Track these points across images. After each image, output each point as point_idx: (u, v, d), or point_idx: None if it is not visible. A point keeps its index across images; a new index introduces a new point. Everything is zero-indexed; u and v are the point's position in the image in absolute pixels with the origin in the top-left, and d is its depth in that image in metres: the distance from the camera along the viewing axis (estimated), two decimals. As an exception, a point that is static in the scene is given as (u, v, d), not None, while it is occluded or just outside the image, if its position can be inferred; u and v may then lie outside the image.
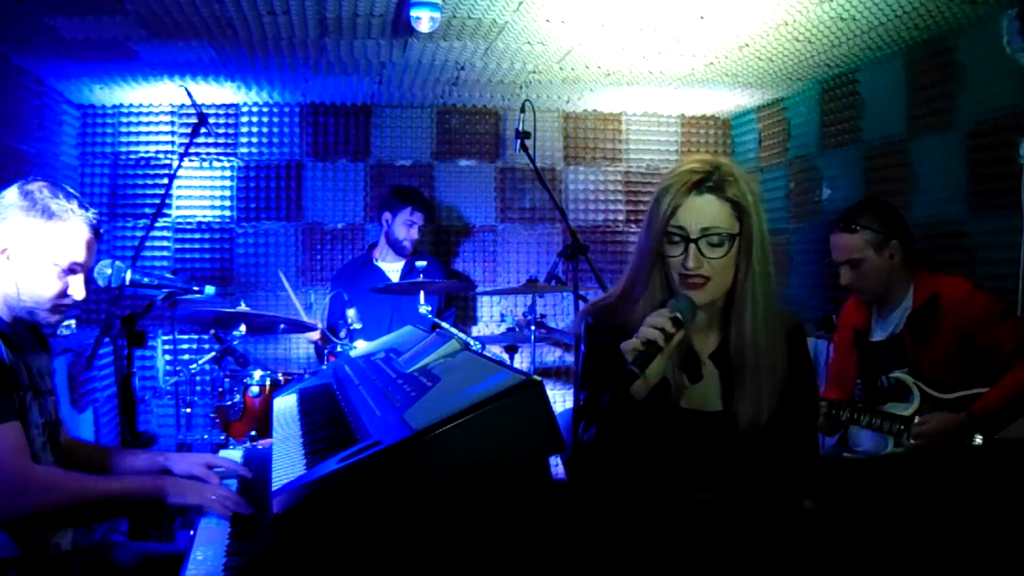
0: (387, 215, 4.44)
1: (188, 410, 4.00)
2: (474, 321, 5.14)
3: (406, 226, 4.38)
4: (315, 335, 4.21)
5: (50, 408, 2.01)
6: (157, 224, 4.52)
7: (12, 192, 1.92)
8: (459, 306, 4.99)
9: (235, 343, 3.76)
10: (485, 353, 2.77)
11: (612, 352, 1.76)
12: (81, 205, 1.96)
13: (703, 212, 1.71)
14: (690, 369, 1.81)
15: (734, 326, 1.78)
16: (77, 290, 1.97)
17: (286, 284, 4.30)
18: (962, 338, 2.74)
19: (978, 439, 2.67)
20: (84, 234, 1.95)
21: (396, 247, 4.43)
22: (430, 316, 3.82)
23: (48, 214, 1.90)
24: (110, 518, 2.10)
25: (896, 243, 2.83)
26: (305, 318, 4.17)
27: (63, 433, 2.08)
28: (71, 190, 1.99)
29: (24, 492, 1.75)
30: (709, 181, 1.72)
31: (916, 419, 2.74)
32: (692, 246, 1.71)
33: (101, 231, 2.02)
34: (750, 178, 1.78)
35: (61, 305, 1.96)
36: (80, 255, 1.95)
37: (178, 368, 4.03)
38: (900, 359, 2.84)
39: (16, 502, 1.75)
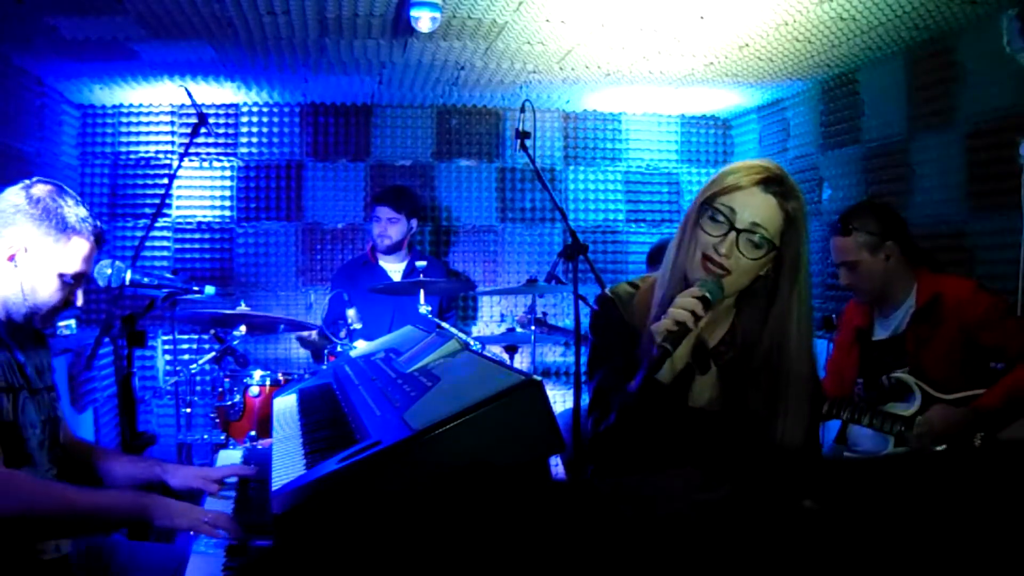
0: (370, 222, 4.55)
1: (188, 410, 3.99)
2: (474, 321, 5.14)
3: (374, 223, 4.43)
4: (311, 333, 4.19)
5: (49, 405, 2.01)
6: (157, 224, 4.51)
7: (18, 196, 1.90)
8: (459, 306, 4.99)
9: (235, 343, 3.76)
10: (485, 353, 2.77)
11: (622, 339, 1.78)
12: (89, 212, 1.97)
13: (760, 208, 1.68)
14: (699, 360, 1.79)
15: (769, 333, 1.75)
16: (78, 298, 1.99)
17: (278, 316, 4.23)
18: (965, 338, 2.74)
19: (977, 439, 2.67)
20: (91, 245, 1.97)
21: (376, 246, 4.47)
22: (431, 316, 3.81)
23: (61, 227, 1.90)
24: (93, 533, 2.02)
25: (892, 244, 2.84)
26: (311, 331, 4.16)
27: (64, 431, 2.08)
28: (74, 194, 1.99)
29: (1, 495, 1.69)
30: (778, 184, 1.70)
31: (918, 419, 2.74)
32: (734, 234, 1.68)
33: (105, 238, 2.03)
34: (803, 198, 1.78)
35: (61, 311, 1.97)
36: (86, 265, 1.97)
37: (178, 368, 4.03)
38: (901, 358, 2.84)
39: None
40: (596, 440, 1.78)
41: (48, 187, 1.94)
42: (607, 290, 1.93)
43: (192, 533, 1.76)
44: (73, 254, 1.93)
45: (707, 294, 1.65)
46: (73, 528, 1.86)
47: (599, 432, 1.76)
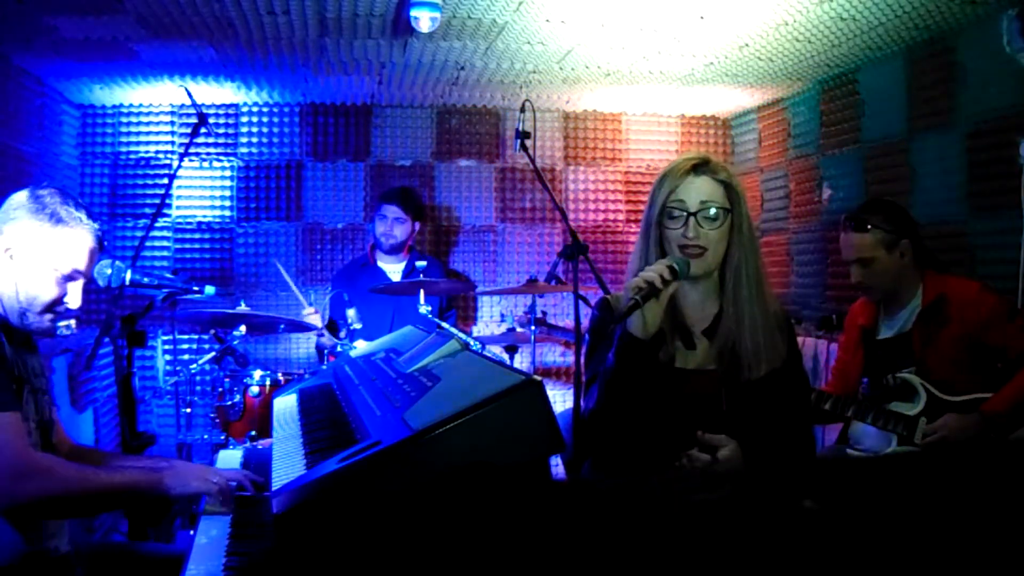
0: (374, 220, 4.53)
1: (188, 410, 4.00)
2: (474, 321, 5.14)
3: (379, 221, 4.40)
4: (321, 327, 4.19)
5: (44, 407, 2.02)
6: (157, 224, 4.52)
7: (23, 195, 1.96)
8: (459, 306, 4.99)
9: (235, 343, 3.76)
10: (485, 353, 2.77)
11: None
12: (89, 215, 1.99)
13: (700, 189, 1.94)
14: (684, 340, 1.98)
15: (730, 287, 1.96)
16: (74, 298, 1.99)
17: (284, 274, 4.30)
18: (970, 339, 2.73)
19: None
20: (88, 243, 1.98)
21: (378, 244, 4.46)
22: (431, 316, 3.82)
23: (55, 219, 1.93)
24: (111, 510, 2.11)
25: (907, 242, 2.85)
26: (306, 306, 4.17)
27: (56, 434, 2.07)
28: (80, 200, 2.02)
29: (26, 477, 1.75)
30: (704, 166, 1.96)
31: (921, 419, 2.73)
32: (692, 218, 1.92)
33: (104, 242, 2.05)
34: (734, 172, 2.02)
35: (54, 311, 1.97)
36: (82, 263, 1.97)
37: (178, 368, 4.03)
38: (906, 358, 2.84)
39: (18, 486, 1.75)
40: (590, 416, 1.93)
41: (53, 189, 1.99)
42: (607, 295, 2.12)
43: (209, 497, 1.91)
44: (67, 248, 1.94)
45: (674, 264, 1.86)
46: (97, 506, 2.00)
47: (592, 408, 1.92)
